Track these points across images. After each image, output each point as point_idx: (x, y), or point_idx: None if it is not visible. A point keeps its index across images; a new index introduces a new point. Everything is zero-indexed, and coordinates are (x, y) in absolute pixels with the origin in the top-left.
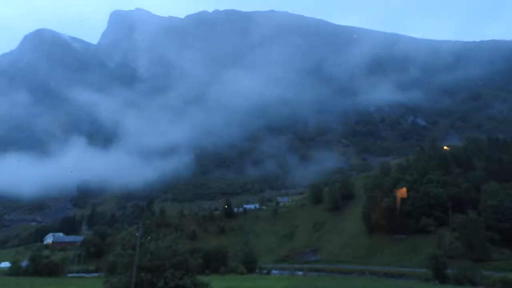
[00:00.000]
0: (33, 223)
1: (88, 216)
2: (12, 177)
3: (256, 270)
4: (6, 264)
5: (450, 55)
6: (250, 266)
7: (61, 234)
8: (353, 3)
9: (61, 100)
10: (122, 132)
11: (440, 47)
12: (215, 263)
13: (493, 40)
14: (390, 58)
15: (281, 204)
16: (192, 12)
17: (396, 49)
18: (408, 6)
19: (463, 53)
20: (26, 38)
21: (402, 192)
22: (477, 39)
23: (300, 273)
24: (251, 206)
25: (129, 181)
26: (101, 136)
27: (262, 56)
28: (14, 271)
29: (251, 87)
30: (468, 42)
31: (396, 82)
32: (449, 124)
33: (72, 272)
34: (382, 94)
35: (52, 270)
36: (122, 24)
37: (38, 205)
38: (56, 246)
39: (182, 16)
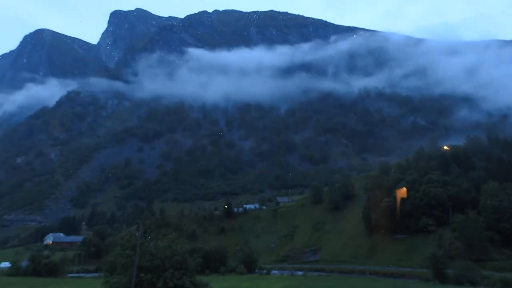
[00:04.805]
0: (33, 223)
1: (88, 216)
2: None
3: (256, 270)
4: (6, 264)
5: None
6: (250, 266)
7: (61, 234)
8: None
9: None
10: None
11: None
12: (215, 263)
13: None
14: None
15: (281, 204)
16: (192, 12)
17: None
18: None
19: None
20: (26, 38)
21: (402, 192)
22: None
23: (300, 273)
24: (251, 206)
25: None
26: None
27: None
28: (14, 271)
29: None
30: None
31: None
32: (449, 124)
33: (72, 272)
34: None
35: (52, 270)
36: (122, 24)
37: (38, 205)
38: (56, 246)
39: (182, 16)
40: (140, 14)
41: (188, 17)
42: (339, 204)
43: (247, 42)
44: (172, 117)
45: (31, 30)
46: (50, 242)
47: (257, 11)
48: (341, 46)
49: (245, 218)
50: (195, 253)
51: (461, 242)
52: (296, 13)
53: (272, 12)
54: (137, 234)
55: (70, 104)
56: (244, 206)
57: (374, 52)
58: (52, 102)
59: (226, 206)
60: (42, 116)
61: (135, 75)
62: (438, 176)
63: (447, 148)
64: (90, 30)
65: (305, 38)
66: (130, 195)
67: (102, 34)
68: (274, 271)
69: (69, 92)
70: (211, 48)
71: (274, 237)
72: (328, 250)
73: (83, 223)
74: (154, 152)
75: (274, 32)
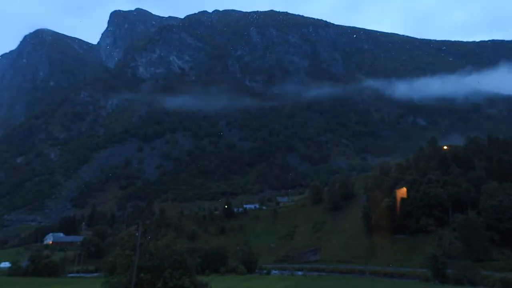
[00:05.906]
0: (33, 223)
1: (88, 216)
2: None
3: (256, 270)
4: (6, 264)
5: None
6: (250, 266)
7: (61, 234)
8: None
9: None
10: None
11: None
12: (215, 263)
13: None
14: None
15: (281, 204)
16: (192, 12)
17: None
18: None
19: None
20: (26, 38)
21: (402, 192)
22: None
23: (300, 273)
24: (251, 206)
25: None
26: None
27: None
28: (14, 271)
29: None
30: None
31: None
32: (449, 124)
33: (72, 272)
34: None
35: (52, 270)
36: (122, 24)
37: (38, 205)
38: (56, 246)
39: (182, 16)
40: (140, 14)
41: (188, 17)
42: (339, 204)
43: (247, 42)
44: (172, 117)
45: (31, 30)
46: (50, 242)
47: (257, 11)
48: (340, 46)
49: (245, 218)
50: (195, 253)
51: (461, 242)
52: (296, 13)
53: (272, 12)
54: (137, 234)
55: (70, 104)
56: (244, 206)
57: (374, 52)
58: (52, 102)
59: (226, 206)
60: (42, 116)
61: (135, 75)
62: (438, 176)
63: (447, 148)
64: (90, 30)
65: (305, 38)
66: (130, 195)
67: (102, 34)
68: (274, 271)
69: (69, 92)
70: (211, 48)
71: (274, 237)
72: (328, 250)
73: (83, 223)
74: (154, 152)
75: (274, 32)
